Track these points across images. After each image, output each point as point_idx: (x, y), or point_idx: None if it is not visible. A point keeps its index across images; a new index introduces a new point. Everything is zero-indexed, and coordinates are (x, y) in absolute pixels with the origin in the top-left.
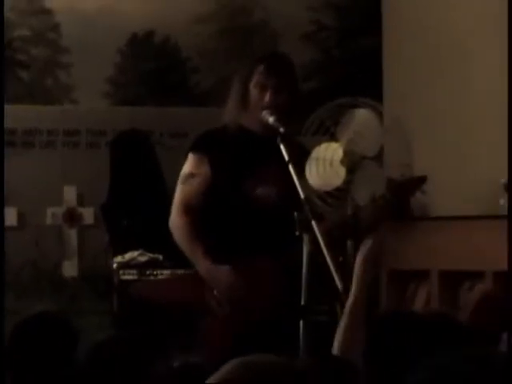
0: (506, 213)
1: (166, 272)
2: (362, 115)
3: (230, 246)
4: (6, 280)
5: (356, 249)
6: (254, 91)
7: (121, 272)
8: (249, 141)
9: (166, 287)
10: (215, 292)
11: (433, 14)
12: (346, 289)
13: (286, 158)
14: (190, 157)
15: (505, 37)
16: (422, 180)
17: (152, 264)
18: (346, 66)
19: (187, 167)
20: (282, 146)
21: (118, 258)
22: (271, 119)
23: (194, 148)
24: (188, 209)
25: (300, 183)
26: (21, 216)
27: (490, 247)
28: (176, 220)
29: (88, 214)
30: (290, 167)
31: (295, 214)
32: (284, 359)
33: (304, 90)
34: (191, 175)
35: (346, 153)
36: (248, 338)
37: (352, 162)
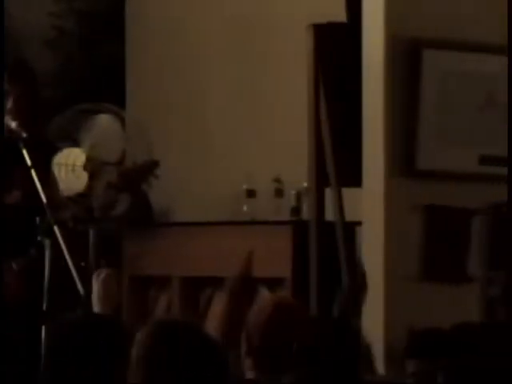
0: (248, 219)
1: None
2: (104, 121)
3: None
4: None
5: (96, 254)
6: None
7: None
8: None
9: None
10: None
11: (174, 22)
12: (88, 293)
13: (29, 162)
14: None
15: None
16: (154, 164)
17: None
18: (90, 72)
19: None
20: (24, 151)
21: None
22: (14, 124)
23: None
24: None
25: (43, 188)
26: None
27: (233, 253)
28: None
29: None
30: (33, 172)
31: (37, 219)
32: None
33: (47, 95)
34: None
35: (88, 158)
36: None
37: (94, 168)
